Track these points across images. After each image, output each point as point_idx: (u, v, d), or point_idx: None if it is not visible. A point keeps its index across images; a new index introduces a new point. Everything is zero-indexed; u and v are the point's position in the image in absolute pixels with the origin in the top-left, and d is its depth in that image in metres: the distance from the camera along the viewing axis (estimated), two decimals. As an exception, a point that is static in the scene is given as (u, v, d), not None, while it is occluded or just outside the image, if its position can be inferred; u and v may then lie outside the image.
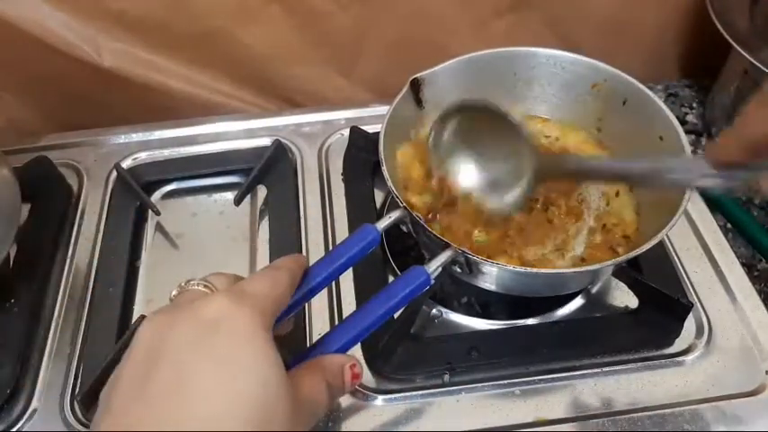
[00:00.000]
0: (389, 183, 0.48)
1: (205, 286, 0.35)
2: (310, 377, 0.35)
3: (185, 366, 0.29)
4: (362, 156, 0.65)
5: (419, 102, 0.56)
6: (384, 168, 0.48)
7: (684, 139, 0.50)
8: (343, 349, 0.39)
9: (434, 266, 0.42)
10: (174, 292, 0.35)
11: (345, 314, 0.54)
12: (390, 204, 0.63)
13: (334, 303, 0.55)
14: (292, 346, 0.51)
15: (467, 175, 0.53)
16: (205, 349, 0.29)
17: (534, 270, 0.45)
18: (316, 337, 0.53)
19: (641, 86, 0.54)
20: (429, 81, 0.55)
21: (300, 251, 0.59)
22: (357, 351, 0.50)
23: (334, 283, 0.56)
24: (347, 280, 0.56)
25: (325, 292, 0.56)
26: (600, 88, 0.56)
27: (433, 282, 0.42)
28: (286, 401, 0.30)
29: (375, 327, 0.39)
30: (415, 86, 0.55)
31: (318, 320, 0.54)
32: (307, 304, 0.55)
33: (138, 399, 0.28)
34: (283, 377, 0.31)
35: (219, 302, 0.31)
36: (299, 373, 0.35)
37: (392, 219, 0.45)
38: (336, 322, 0.54)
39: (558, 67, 0.58)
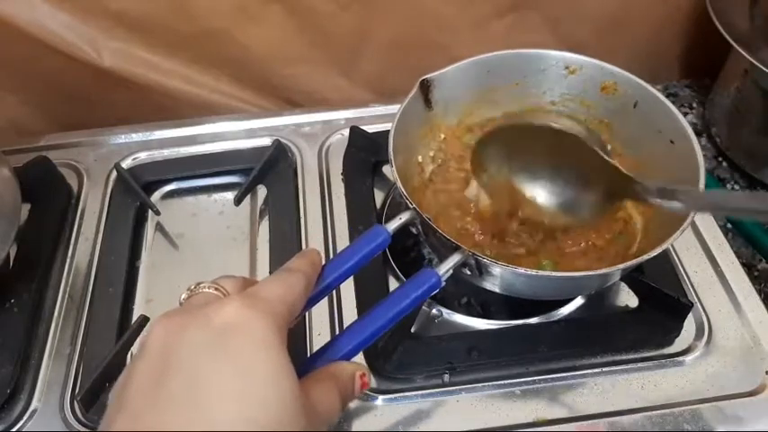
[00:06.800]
0: (399, 184, 0.47)
1: (216, 289, 0.34)
2: (323, 385, 0.35)
3: (199, 372, 0.29)
4: (362, 155, 0.65)
5: (428, 103, 0.55)
6: (394, 169, 0.48)
7: (696, 144, 0.49)
8: (356, 350, 0.39)
9: (445, 269, 0.42)
10: (183, 296, 0.35)
11: (345, 314, 0.54)
12: (391, 204, 0.63)
13: (334, 303, 0.55)
14: (292, 347, 0.51)
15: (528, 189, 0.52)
16: (219, 355, 0.29)
17: (545, 273, 0.45)
18: (315, 338, 0.53)
19: (652, 89, 0.53)
20: (438, 82, 0.55)
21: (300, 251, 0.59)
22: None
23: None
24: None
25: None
26: (610, 91, 0.56)
27: (443, 284, 0.42)
28: (300, 409, 0.30)
29: (386, 328, 0.39)
30: (425, 87, 0.54)
31: (318, 319, 0.54)
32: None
33: (152, 404, 0.28)
34: (297, 385, 0.30)
35: (234, 307, 0.31)
36: (311, 381, 0.35)
37: (402, 220, 0.45)
38: (337, 320, 0.54)
39: (568, 70, 0.57)
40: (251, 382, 0.29)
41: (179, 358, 0.29)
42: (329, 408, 0.35)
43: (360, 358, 0.51)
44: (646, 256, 0.44)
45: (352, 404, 0.49)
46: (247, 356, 0.29)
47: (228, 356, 0.29)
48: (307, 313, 0.54)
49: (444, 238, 0.45)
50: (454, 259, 0.43)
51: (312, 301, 0.39)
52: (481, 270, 0.46)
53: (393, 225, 0.44)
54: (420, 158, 0.58)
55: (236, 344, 0.30)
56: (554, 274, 0.46)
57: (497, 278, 0.47)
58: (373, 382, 0.50)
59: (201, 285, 0.34)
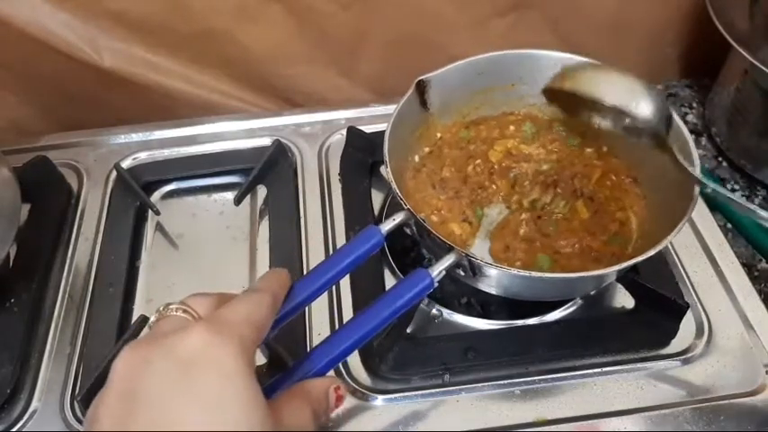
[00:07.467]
0: (393, 185, 0.47)
1: (185, 311, 0.33)
2: (294, 404, 0.35)
3: (165, 409, 0.28)
4: (360, 156, 0.65)
5: (424, 103, 0.56)
6: (388, 171, 0.48)
7: (694, 149, 0.49)
8: (348, 351, 0.39)
9: (438, 269, 0.42)
10: (152, 318, 0.33)
11: (344, 311, 0.54)
12: (390, 203, 0.63)
13: (334, 303, 0.55)
14: (292, 346, 0.51)
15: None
16: (185, 390, 0.28)
17: (539, 274, 0.45)
18: (315, 337, 0.53)
19: None
20: (434, 83, 0.55)
21: (300, 251, 0.59)
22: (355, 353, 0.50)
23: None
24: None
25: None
26: None
27: (436, 285, 0.42)
28: None
29: (379, 329, 0.39)
30: (421, 88, 0.55)
31: (318, 320, 0.54)
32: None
33: None
34: (268, 414, 0.30)
35: (198, 336, 0.30)
36: (283, 399, 0.34)
37: (396, 221, 0.45)
38: (337, 320, 0.54)
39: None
40: (219, 419, 0.28)
41: (144, 396, 0.28)
42: (301, 427, 0.34)
43: (356, 357, 0.51)
44: (639, 258, 0.44)
45: (352, 403, 0.49)
46: (215, 390, 0.29)
47: (196, 391, 0.28)
48: (307, 313, 0.54)
49: (438, 239, 0.45)
50: (448, 260, 0.43)
51: (305, 302, 0.39)
52: (475, 271, 0.45)
53: (387, 226, 0.44)
54: (417, 158, 0.58)
55: (202, 376, 0.29)
56: (546, 275, 0.46)
57: (491, 279, 0.47)
58: (373, 383, 0.50)
59: (171, 308, 0.33)
